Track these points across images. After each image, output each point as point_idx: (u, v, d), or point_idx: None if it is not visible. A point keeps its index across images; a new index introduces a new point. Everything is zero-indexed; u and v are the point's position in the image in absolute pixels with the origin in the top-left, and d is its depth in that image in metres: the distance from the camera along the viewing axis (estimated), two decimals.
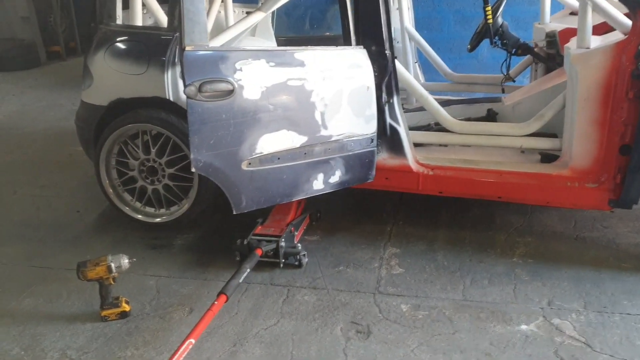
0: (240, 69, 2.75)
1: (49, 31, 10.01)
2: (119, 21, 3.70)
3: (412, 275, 3.15)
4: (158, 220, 3.66)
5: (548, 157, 3.47)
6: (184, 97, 3.28)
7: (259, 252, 3.12)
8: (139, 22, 3.64)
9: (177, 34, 3.28)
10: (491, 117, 3.99)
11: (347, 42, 3.20)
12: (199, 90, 2.66)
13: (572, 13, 4.43)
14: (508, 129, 3.50)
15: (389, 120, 3.29)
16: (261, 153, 2.89)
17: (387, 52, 3.16)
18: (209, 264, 3.34)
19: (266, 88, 2.82)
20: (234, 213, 2.94)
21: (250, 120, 2.81)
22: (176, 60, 3.30)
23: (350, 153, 3.17)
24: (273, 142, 2.91)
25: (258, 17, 3.30)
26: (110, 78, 3.52)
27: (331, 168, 3.15)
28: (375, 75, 3.15)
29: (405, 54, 4.84)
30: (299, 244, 3.28)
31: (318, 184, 3.14)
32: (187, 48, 2.63)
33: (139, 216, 3.68)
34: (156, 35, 3.47)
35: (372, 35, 3.14)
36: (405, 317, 2.81)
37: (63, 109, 6.96)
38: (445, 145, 3.77)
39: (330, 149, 3.10)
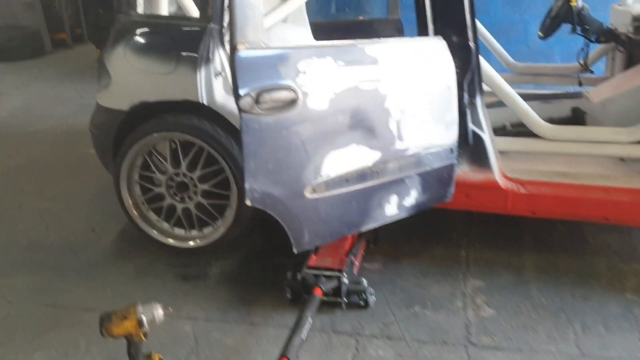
0: (304, 72, 2.15)
1: (53, 17, 9.53)
2: (140, 10, 3.11)
3: (507, 319, 2.57)
4: (191, 244, 3.10)
5: None
6: (219, 100, 2.78)
7: (318, 292, 2.55)
8: (164, 10, 3.05)
9: (212, 25, 2.71)
10: (578, 117, 3.37)
11: (422, 32, 2.61)
12: (256, 101, 2.07)
13: None
14: (612, 134, 2.88)
15: (471, 125, 2.71)
16: (328, 176, 2.31)
17: (471, 43, 2.58)
18: (254, 301, 2.78)
19: (335, 94, 2.22)
20: (295, 252, 2.36)
21: (315, 135, 2.22)
22: (210, 56, 2.74)
23: (427, 168, 2.58)
24: (341, 161, 2.32)
25: (298, 1, 2.76)
26: (132, 78, 2.95)
27: (406, 188, 2.56)
28: (456, 72, 2.57)
29: None
30: (363, 280, 2.69)
31: (391, 209, 2.55)
32: (240, 47, 2.01)
33: (170, 240, 3.12)
34: (186, 27, 2.89)
35: (453, 23, 2.56)
36: None
37: (71, 102, 6.39)
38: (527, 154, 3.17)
39: (406, 165, 2.52)
